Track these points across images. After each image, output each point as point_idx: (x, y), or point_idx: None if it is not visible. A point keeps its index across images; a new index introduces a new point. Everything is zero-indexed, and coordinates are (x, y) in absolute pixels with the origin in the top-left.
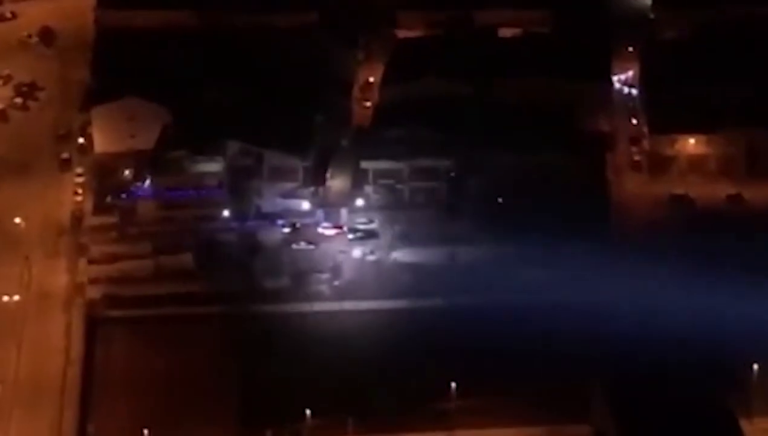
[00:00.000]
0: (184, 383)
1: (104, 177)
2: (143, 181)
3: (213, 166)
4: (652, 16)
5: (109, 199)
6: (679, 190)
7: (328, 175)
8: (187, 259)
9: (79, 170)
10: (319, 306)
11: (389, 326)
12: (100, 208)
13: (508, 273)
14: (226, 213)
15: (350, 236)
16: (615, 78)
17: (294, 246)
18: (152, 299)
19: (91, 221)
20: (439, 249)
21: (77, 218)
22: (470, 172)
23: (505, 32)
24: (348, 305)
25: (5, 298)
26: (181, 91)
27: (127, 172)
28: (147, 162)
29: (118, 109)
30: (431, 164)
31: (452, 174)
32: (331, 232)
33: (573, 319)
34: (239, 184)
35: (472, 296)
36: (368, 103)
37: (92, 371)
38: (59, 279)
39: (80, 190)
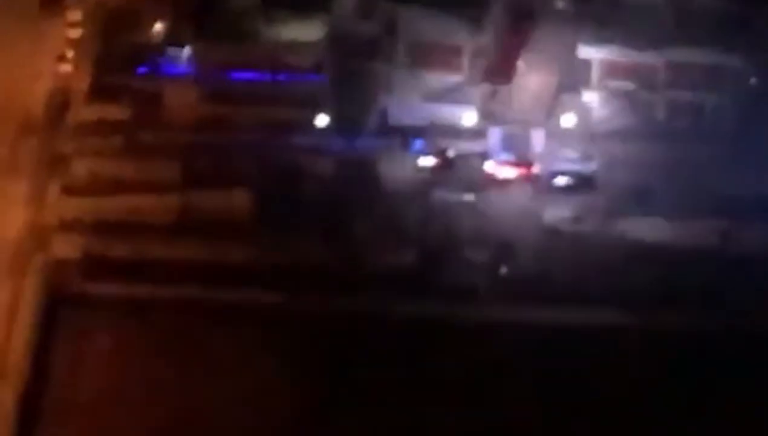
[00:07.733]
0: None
1: (112, 32)
2: (179, 48)
3: (308, 32)
4: None
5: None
6: None
7: (518, 62)
8: (240, 198)
9: (73, 15)
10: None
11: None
12: (100, 91)
13: None
14: (322, 119)
15: (553, 182)
16: None
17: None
18: (169, 267)
19: (83, 113)
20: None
21: (59, 106)
22: None
23: None
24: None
25: None
26: None
27: (157, 25)
28: (188, 13)
29: None
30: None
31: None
32: (512, 172)
33: None
34: (353, 70)
35: None
36: None
37: (46, 388)
38: (9, 216)
39: (70, 54)
